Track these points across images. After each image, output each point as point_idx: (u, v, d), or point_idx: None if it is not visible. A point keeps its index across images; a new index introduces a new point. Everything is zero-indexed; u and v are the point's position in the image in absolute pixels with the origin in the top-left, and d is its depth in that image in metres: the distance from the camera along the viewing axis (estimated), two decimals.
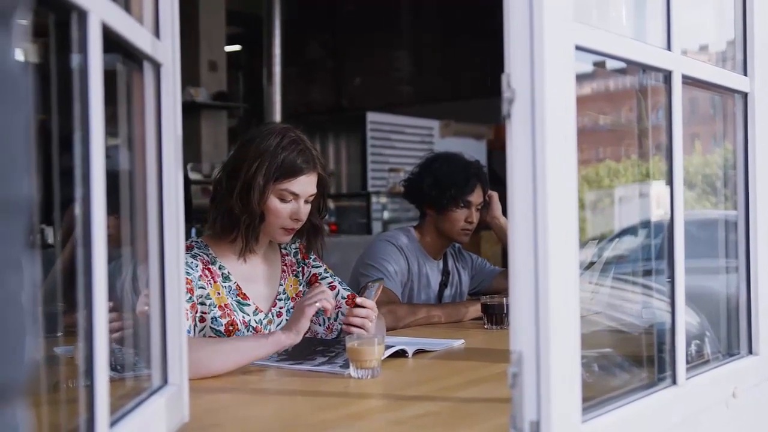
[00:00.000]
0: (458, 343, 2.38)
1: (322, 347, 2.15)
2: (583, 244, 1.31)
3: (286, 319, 2.32)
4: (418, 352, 2.21)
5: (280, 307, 2.35)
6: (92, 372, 1.03)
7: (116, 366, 1.37)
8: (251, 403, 1.74)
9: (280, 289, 2.37)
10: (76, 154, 1.04)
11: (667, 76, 1.54)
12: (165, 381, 1.40)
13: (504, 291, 3.02)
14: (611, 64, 1.57)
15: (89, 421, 1.03)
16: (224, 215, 2.22)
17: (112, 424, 1.11)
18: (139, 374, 1.45)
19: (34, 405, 0.84)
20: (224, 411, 1.68)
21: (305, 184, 2.23)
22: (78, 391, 1.13)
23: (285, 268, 2.41)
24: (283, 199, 2.22)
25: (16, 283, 0.58)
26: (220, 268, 2.24)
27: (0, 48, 0.58)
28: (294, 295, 2.39)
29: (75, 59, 1.04)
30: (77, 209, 1.03)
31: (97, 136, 1.04)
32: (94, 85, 1.03)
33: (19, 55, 0.60)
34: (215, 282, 2.21)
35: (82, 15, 1.02)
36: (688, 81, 1.60)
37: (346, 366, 1.92)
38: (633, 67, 1.63)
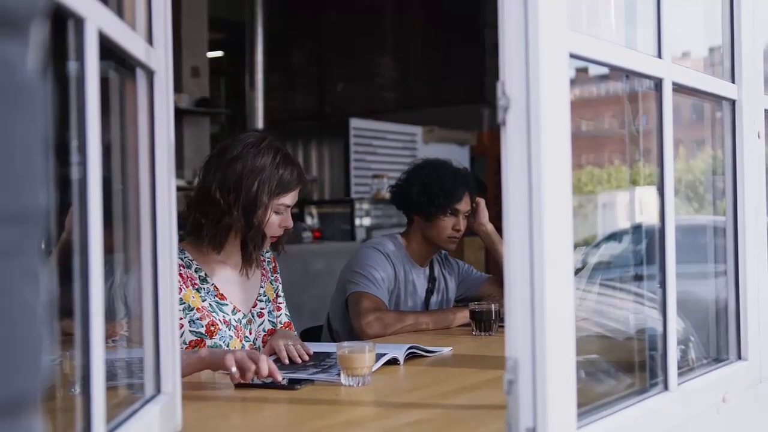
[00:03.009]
0: (447, 350, 2.38)
1: (314, 361, 2.14)
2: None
3: (268, 320, 2.42)
4: (411, 356, 2.21)
5: (261, 308, 2.43)
6: (89, 381, 1.02)
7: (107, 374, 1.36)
8: (244, 412, 1.74)
9: (261, 291, 2.44)
10: (72, 161, 1.03)
11: (658, 83, 1.55)
12: (158, 390, 1.39)
13: (491, 297, 3.02)
14: (593, 70, 1.58)
15: (85, 429, 1.02)
16: (225, 231, 2.28)
17: None
18: (131, 383, 1.44)
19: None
20: (217, 420, 1.67)
21: (295, 196, 2.36)
22: (71, 399, 1.12)
23: (264, 272, 2.49)
24: (277, 212, 2.31)
25: (33, 293, 0.58)
26: (196, 271, 2.29)
27: (17, 58, 0.58)
28: (272, 300, 2.48)
29: (71, 66, 1.03)
30: (74, 217, 1.02)
31: (93, 144, 1.03)
32: (90, 93, 1.03)
33: (35, 65, 0.60)
34: (188, 287, 2.25)
35: (79, 22, 1.01)
36: (678, 88, 1.61)
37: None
38: (616, 73, 1.64)
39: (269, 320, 2.43)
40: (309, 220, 7.50)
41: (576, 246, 2.23)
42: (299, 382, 1.89)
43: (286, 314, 2.54)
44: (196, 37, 7.64)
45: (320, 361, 2.15)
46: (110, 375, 1.41)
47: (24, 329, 0.57)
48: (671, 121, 1.57)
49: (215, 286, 2.31)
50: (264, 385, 1.89)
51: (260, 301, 2.43)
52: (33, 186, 0.59)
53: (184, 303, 2.21)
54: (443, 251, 3.23)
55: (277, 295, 2.53)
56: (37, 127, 0.59)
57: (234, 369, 1.82)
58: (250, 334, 2.36)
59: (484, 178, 7.78)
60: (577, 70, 1.51)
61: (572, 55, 1.27)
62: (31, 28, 0.60)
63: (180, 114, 7.40)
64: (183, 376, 1.94)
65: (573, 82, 1.54)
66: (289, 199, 2.32)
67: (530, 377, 1.18)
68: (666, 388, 1.54)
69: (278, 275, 2.55)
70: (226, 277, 2.35)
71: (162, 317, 1.39)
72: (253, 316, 2.39)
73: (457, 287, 3.29)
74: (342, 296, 2.99)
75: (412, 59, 9.90)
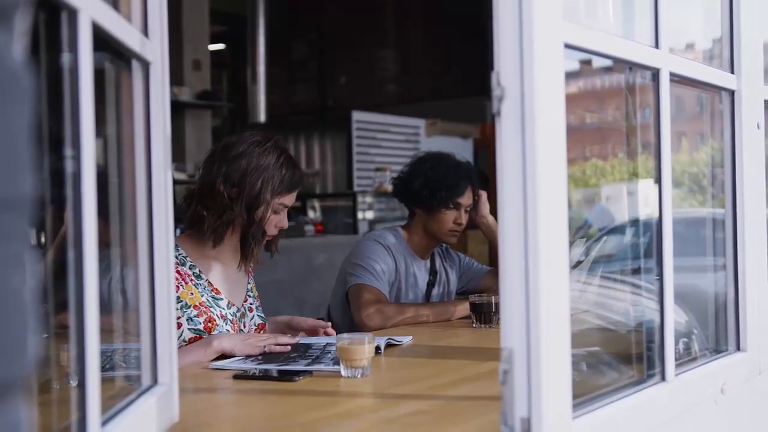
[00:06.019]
0: (408, 339, 2.41)
1: (295, 354, 2.14)
2: (570, 242, 1.31)
3: (258, 315, 2.47)
4: (389, 345, 2.27)
5: (250, 303, 2.48)
6: (83, 372, 1.03)
7: (105, 366, 1.37)
8: (241, 403, 1.74)
9: (248, 287, 2.49)
10: (66, 154, 1.03)
11: (655, 73, 1.55)
12: (155, 381, 1.39)
13: (492, 290, 3.03)
14: (597, 62, 1.58)
15: (80, 420, 1.03)
16: (226, 225, 2.30)
17: (103, 423, 1.11)
18: (128, 374, 1.45)
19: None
20: (214, 411, 1.67)
21: (294, 197, 2.40)
22: (67, 391, 1.12)
23: (250, 270, 2.52)
24: (275, 212, 2.35)
25: (19, 280, 0.59)
26: (190, 268, 2.31)
27: (2, 46, 0.58)
28: (256, 296, 2.53)
29: (65, 58, 1.03)
30: (68, 211, 1.02)
31: (87, 136, 1.03)
32: (84, 84, 1.03)
33: (20, 54, 0.61)
34: (187, 283, 2.27)
35: (72, 13, 1.01)
36: (676, 79, 1.61)
37: (337, 363, 1.92)
38: (620, 65, 1.64)
39: (258, 315, 2.48)
40: (311, 214, 7.51)
41: (579, 238, 2.23)
42: (298, 373, 1.89)
43: (260, 315, 2.55)
44: (197, 30, 7.65)
45: (304, 352, 2.15)
46: (111, 366, 1.42)
47: (9, 315, 0.57)
48: (669, 112, 1.56)
49: (209, 282, 2.34)
50: (262, 377, 1.89)
51: (249, 296, 2.48)
52: (18, 174, 0.59)
53: (182, 301, 2.24)
54: (444, 244, 3.23)
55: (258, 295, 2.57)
56: (22, 115, 0.60)
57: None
58: (244, 327, 2.39)
59: (488, 171, 7.78)
60: (581, 63, 1.51)
61: (567, 46, 1.26)
62: (16, 17, 0.60)
63: (181, 107, 7.41)
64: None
65: (577, 74, 1.54)
66: (289, 199, 2.36)
67: (525, 367, 1.18)
68: (663, 378, 1.55)
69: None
70: (218, 272, 2.38)
71: (159, 308, 1.40)
72: (245, 311, 2.43)
73: (458, 280, 3.29)
74: (342, 288, 2.99)
75: (414, 52, 9.90)
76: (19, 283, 0.58)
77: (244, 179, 2.28)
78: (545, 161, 1.19)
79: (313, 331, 2.45)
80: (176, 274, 2.25)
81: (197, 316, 2.25)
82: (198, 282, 2.31)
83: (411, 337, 2.44)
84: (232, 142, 2.35)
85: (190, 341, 2.22)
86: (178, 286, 2.23)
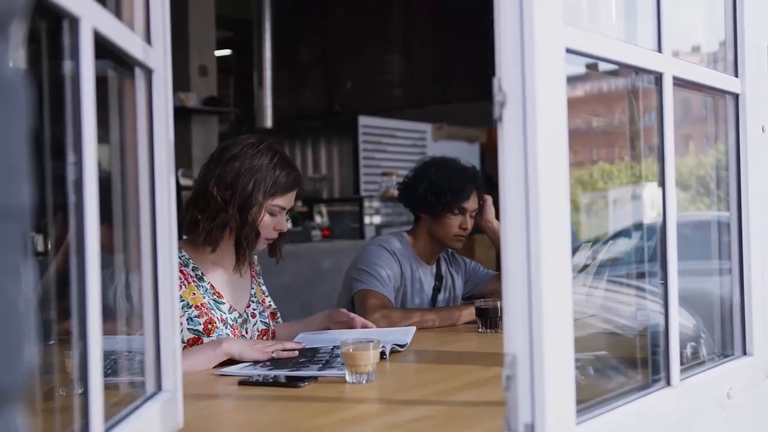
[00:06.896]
0: (411, 332, 2.43)
1: (304, 359, 2.14)
2: (576, 246, 1.31)
3: (260, 321, 2.47)
4: (394, 352, 2.25)
5: (254, 309, 2.47)
6: (87, 379, 1.03)
7: (108, 371, 1.37)
8: (246, 409, 1.74)
9: (252, 292, 2.49)
10: (69, 161, 1.04)
11: (658, 77, 1.55)
12: (159, 387, 1.40)
13: (497, 294, 3.02)
14: (603, 66, 1.58)
15: (84, 427, 1.03)
16: (220, 227, 2.30)
17: (107, 430, 1.11)
18: (132, 380, 1.45)
19: (29, 412, 0.84)
20: (218, 417, 1.67)
21: (292, 199, 2.39)
22: (71, 398, 1.13)
23: (254, 274, 2.53)
24: (272, 214, 2.34)
25: (15, 289, 0.59)
26: (193, 270, 2.33)
27: None
28: (261, 301, 2.51)
29: (66, 66, 1.04)
30: (71, 217, 1.02)
31: (89, 143, 1.04)
32: (86, 92, 1.03)
33: (16, 63, 0.61)
34: (189, 283, 2.29)
35: (74, 22, 1.02)
36: (679, 82, 1.61)
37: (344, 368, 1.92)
38: (625, 69, 1.63)
39: (261, 321, 2.48)
40: (318, 219, 7.50)
41: (585, 242, 2.22)
42: (303, 379, 1.89)
43: (263, 322, 2.53)
44: (203, 36, 7.64)
45: (312, 357, 2.15)
46: (114, 371, 1.42)
47: (5, 323, 0.57)
48: (672, 116, 1.56)
49: (211, 285, 2.34)
50: (268, 383, 1.89)
51: (252, 302, 2.47)
52: (15, 183, 0.59)
53: (183, 300, 2.25)
54: (450, 249, 3.23)
55: (265, 296, 2.57)
56: (19, 125, 0.60)
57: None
58: (246, 333, 2.39)
59: (495, 176, 7.76)
60: (587, 67, 1.51)
61: (569, 50, 1.26)
62: (12, 26, 0.60)
63: (188, 113, 7.40)
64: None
65: (583, 78, 1.54)
66: (284, 201, 2.35)
67: (528, 372, 1.18)
68: (668, 383, 1.54)
69: (261, 279, 2.59)
70: (221, 277, 2.39)
71: (162, 315, 1.40)
72: (247, 316, 2.43)
73: (464, 285, 3.29)
74: (348, 294, 2.99)
75: (420, 56, 9.88)
76: (16, 292, 0.58)
77: (237, 181, 2.28)
78: (547, 166, 1.19)
79: (348, 325, 2.47)
80: (179, 274, 2.25)
81: (198, 316, 2.26)
82: (200, 284, 2.31)
83: (414, 328, 2.46)
84: (227, 145, 2.38)
85: (189, 342, 2.23)
86: (180, 285, 2.24)
